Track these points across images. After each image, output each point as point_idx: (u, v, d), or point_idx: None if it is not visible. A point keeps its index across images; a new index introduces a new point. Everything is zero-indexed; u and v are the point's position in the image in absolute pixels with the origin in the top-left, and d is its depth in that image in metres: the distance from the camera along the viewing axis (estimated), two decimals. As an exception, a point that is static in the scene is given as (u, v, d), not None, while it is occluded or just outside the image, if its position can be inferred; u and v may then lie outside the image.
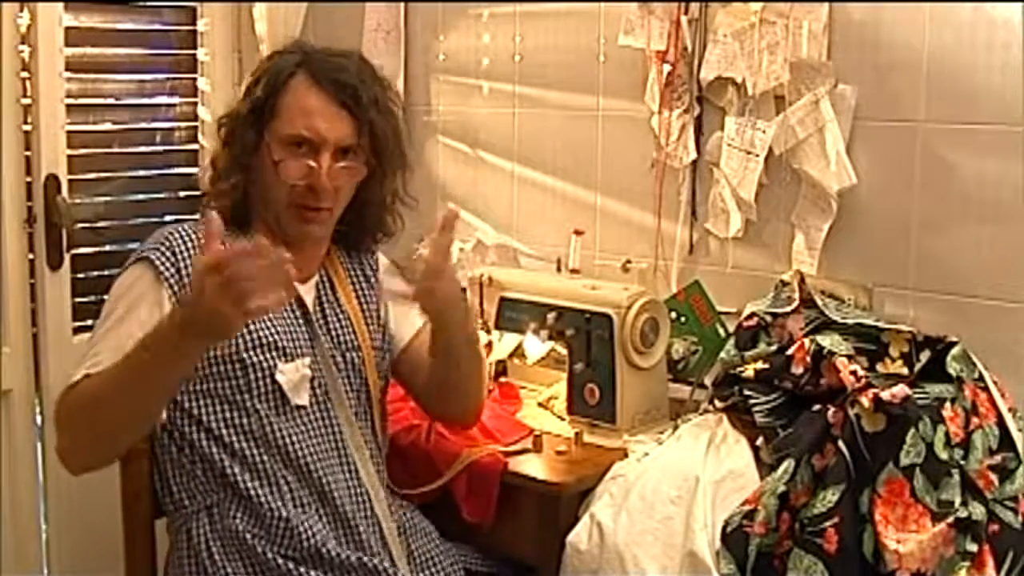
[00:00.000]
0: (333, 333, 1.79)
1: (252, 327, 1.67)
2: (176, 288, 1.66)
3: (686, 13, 2.10)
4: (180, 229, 1.73)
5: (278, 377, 1.68)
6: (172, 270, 1.67)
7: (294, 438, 1.69)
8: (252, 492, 1.65)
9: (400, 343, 1.89)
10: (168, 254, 1.69)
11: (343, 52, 1.80)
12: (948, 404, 1.66)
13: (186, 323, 1.43)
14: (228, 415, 1.67)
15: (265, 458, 1.67)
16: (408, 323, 1.88)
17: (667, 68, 2.13)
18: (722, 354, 1.94)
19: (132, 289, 1.67)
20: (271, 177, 1.71)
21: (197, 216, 1.80)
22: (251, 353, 1.67)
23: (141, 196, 2.59)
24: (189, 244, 1.71)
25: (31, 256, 2.32)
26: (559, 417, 2.09)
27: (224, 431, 1.67)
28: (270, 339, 1.69)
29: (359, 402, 1.80)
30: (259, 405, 1.67)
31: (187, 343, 1.46)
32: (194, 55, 2.66)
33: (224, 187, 1.74)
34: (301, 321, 1.75)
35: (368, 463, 1.76)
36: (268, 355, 1.68)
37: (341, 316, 1.81)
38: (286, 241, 1.71)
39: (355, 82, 1.73)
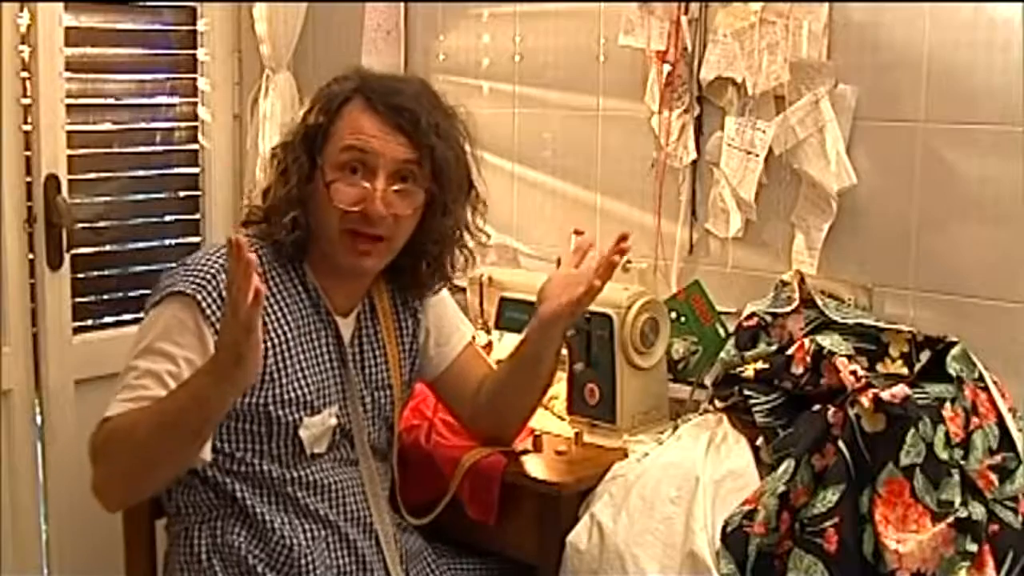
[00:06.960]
0: (367, 371, 1.75)
1: (284, 379, 1.63)
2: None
3: (686, 13, 2.10)
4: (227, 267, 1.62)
5: (301, 433, 1.64)
6: (219, 314, 1.54)
7: (309, 478, 1.67)
8: (260, 516, 1.64)
9: (446, 360, 1.85)
10: (216, 298, 1.57)
11: (402, 78, 1.75)
12: (948, 404, 1.65)
13: (219, 373, 1.39)
14: (243, 453, 1.63)
15: (276, 487, 1.65)
16: (455, 340, 1.87)
17: (667, 68, 2.12)
18: (722, 354, 1.93)
19: (174, 327, 1.56)
20: (324, 204, 1.62)
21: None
22: (276, 407, 1.62)
23: (141, 196, 2.60)
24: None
25: (31, 256, 2.32)
26: (559, 417, 2.08)
27: (237, 463, 1.64)
28: (298, 393, 1.64)
29: (379, 437, 1.78)
30: (276, 451, 1.65)
31: (219, 389, 1.42)
32: (194, 55, 2.67)
33: (282, 222, 1.64)
34: (336, 364, 1.70)
35: (380, 498, 1.75)
36: (294, 411, 1.63)
37: (378, 353, 1.76)
38: (337, 274, 1.68)
39: (413, 105, 1.63)
